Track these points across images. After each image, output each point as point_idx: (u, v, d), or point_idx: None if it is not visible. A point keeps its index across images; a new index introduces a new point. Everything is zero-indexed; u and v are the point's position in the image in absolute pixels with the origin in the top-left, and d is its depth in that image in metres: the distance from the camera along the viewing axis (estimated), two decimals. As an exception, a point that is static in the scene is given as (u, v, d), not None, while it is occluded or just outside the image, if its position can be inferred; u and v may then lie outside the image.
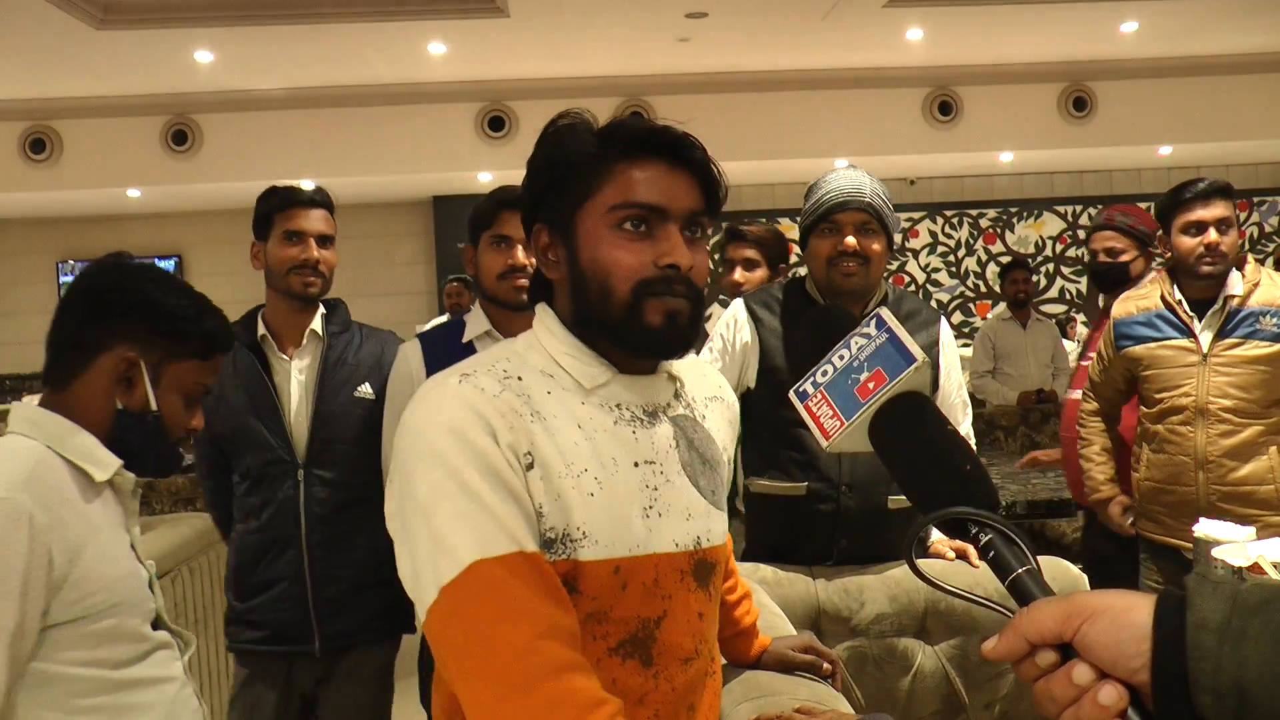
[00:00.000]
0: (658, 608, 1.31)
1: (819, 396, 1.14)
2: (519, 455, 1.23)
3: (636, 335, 1.32)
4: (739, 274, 3.71)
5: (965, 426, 2.76)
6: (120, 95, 9.29)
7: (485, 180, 9.36)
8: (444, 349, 2.43)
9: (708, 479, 1.41)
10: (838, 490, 2.50)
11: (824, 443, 1.11)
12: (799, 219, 2.63)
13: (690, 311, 1.33)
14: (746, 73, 9.08)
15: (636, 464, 1.32)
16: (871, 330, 1.14)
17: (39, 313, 11.71)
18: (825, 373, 1.15)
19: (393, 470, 1.26)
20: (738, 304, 2.69)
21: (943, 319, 2.72)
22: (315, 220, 2.60)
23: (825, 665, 1.76)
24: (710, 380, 1.56)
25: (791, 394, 1.17)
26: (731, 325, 2.65)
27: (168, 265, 10.15)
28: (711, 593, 1.40)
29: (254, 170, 9.16)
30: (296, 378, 2.61)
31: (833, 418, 1.11)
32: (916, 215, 10.77)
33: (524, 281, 2.41)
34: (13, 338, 11.39)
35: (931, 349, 2.62)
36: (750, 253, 3.72)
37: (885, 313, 1.16)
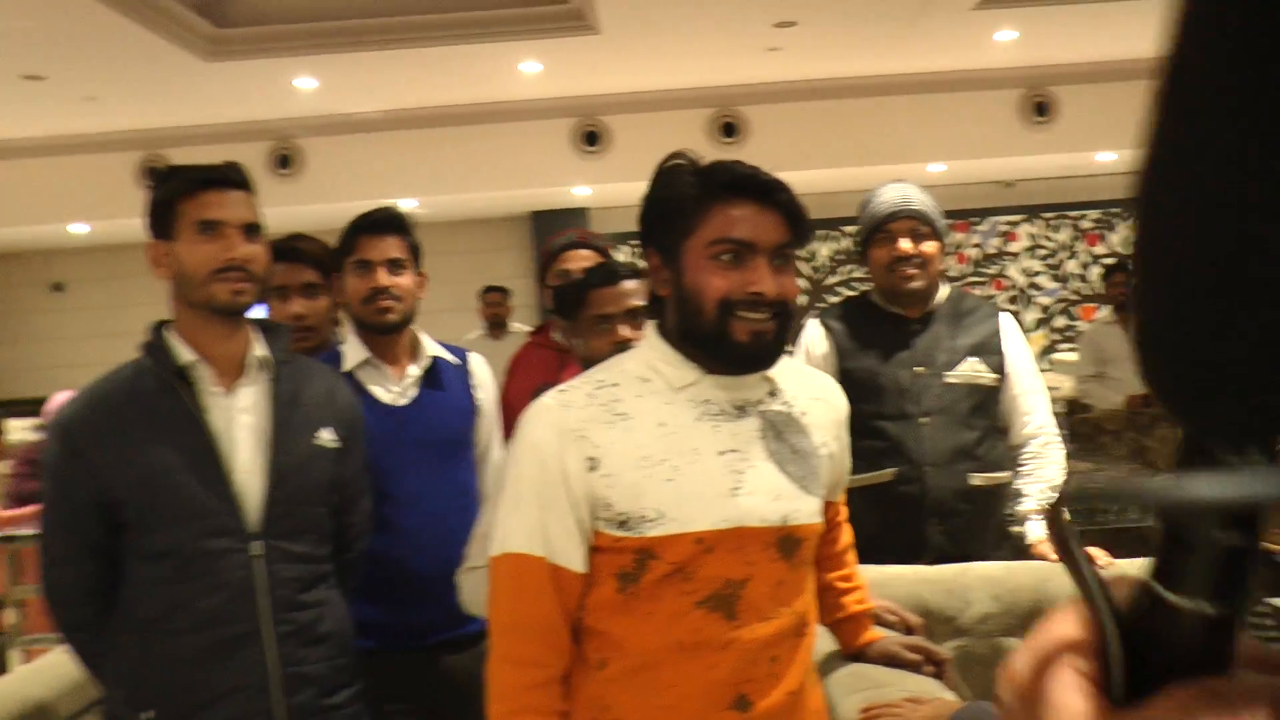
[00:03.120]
0: (742, 572, 1.55)
1: None
2: (582, 461, 1.54)
3: (726, 349, 1.57)
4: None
5: (1041, 416, 2.80)
6: (226, 123, 9.64)
7: (582, 194, 9.52)
8: None
9: (797, 466, 1.61)
10: (920, 471, 2.62)
11: None
12: (855, 234, 2.86)
13: (776, 330, 1.58)
14: (837, 80, 9.05)
15: (721, 452, 1.56)
16: None
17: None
18: None
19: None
20: (814, 322, 2.90)
21: (1005, 314, 2.87)
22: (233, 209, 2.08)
23: (928, 667, 1.81)
24: (816, 383, 1.79)
25: None
26: (811, 341, 2.87)
27: (274, 286, 10.45)
28: (795, 564, 1.61)
29: (354, 191, 9.43)
30: (241, 419, 2.03)
31: None
32: (1015, 218, 10.60)
33: (389, 303, 2.36)
34: (128, 356, 11.81)
35: (993, 339, 2.77)
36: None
37: None
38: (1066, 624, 0.41)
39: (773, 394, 1.65)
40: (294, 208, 9.70)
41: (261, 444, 1.99)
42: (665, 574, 1.52)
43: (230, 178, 2.05)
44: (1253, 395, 0.34)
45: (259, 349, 2.06)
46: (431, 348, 2.49)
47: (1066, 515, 0.42)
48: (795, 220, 1.59)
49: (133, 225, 9.67)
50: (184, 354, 1.99)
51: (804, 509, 1.61)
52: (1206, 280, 0.33)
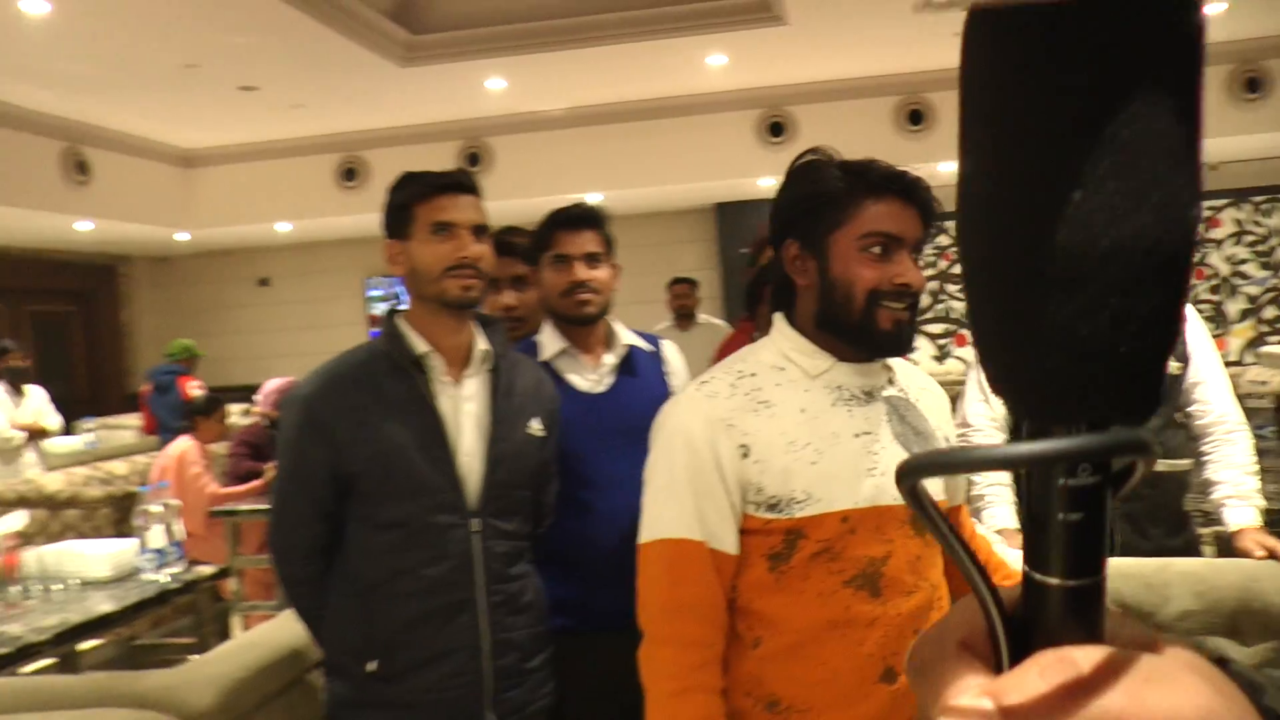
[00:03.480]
0: (883, 549, 1.63)
1: None
2: (734, 449, 1.62)
3: (869, 337, 1.64)
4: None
5: (1223, 404, 2.81)
6: (419, 124, 10.04)
7: (767, 185, 9.49)
8: None
9: (920, 446, 1.70)
10: None
11: None
12: None
13: (910, 318, 1.65)
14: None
15: (857, 435, 1.65)
16: None
17: (348, 324, 12.78)
18: None
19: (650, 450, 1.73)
20: None
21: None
22: (466, 207, 2.17)
23: None
24: (920, 375, 1.88)
25: None
26: None
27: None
28: (928, 540, 1.69)
29: (541, 187, 9.66)
30: (465, 408, 2.17)
31: None
32: (1219, 203, 10.04)
33: (587, 296, 2.42)
34: (325, 347, 12.42)
35: None
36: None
37: None
38: (965, 610, 0.42)
39: (891, 381, 1.75)
40: (485, 204, 10.01)
41: (482, 431, 2.13)
42: (814, 553, 1.61)
43: (462, 183, 2.16)
44: (1056, 382, 0.39)
45: (482, 342, 2.18)
46: (626, 336, 2.55)
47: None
48: (929, 216, 1.68)
49: (331, 224, 10.25)
50: (419, 344, 2.11)
51: (931, 487, 1.64)
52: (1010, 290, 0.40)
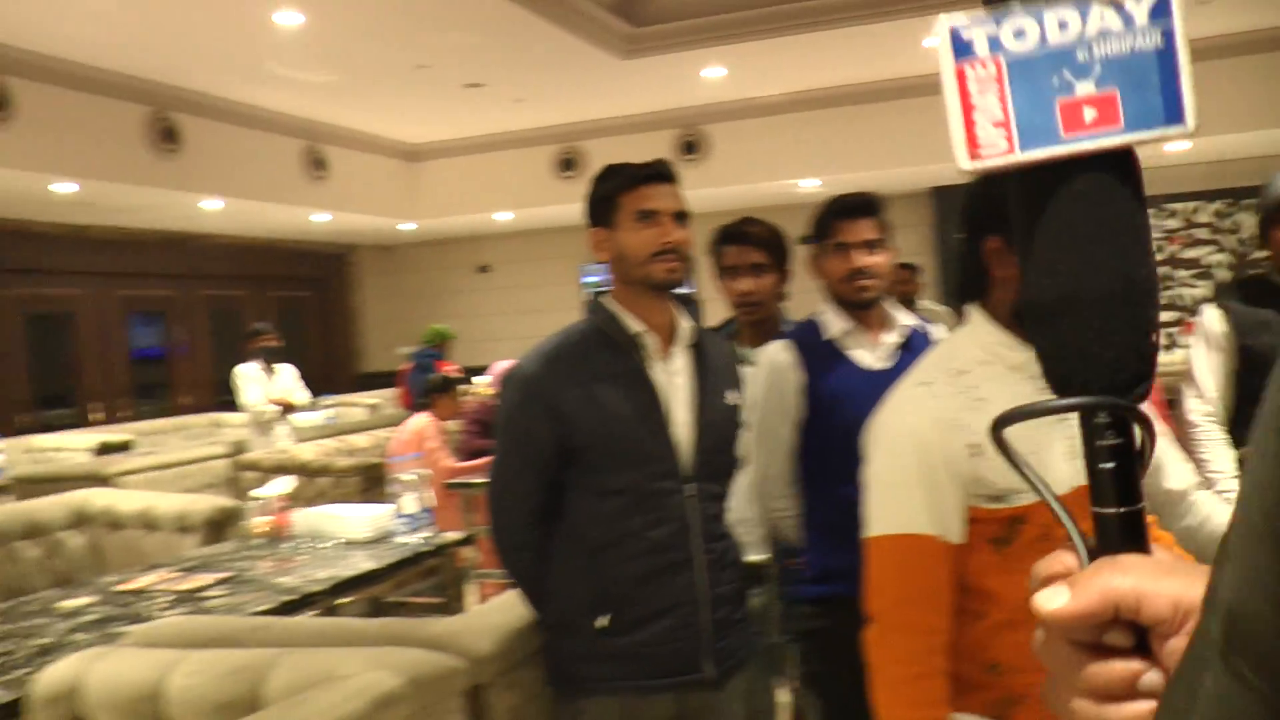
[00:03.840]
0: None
1: (992, 69, 0.59)
2: (962, 448, 1.65)
3: None
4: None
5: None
6: (636, 114, 10.26)
7: (983, 169, 9.31)
8: (811, 347, 2.55)
9: None
10: None
11: (964, 161, 0.60)
12: (1257, 211, 3.00)
13: None
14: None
15: (1059, 421, 1.62)
16: (1139, 13, 0.56)
17: (564, 309, 13.16)
18: (1023, 33, 0.58)
19: (868, 451, 1.80)
20: (1208, 306, 3.09)
21: None
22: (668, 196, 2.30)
23: None
24: None
25: (947, 30, 0.59)
26: (1208, 321, 3.03)
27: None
28: None
29: (757, 173, 9.74)
30: (675, 381, 2.29)
31: (999, 126, 0.59)
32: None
33: (866, 282, 2.51)
34: (542, 331, 12.85)
35: None
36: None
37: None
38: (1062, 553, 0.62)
39: None
40: (699, 191, 10.16)
41: (690, 402, 2.26)
42: (1034, 537, 1.66)
43: (662, 173, 2.27)
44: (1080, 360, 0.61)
45: (684, 320, 2.31)
46: (905, 317, 2.66)
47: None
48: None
49: (549, 213, 10.59)
50: (633, 324, 2.23)
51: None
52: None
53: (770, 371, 2.55)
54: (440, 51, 7.86)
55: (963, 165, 0.60)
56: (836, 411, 2.43)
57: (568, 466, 2.22)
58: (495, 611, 2.15)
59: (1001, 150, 0.59)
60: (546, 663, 2.22)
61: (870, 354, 2.57)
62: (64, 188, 8.81)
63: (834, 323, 2.56)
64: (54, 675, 1.96)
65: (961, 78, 0.60)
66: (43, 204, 9.50)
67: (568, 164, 11.02)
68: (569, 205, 11.23)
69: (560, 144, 11.12)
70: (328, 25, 7.22)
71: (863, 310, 2.55)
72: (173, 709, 1.83)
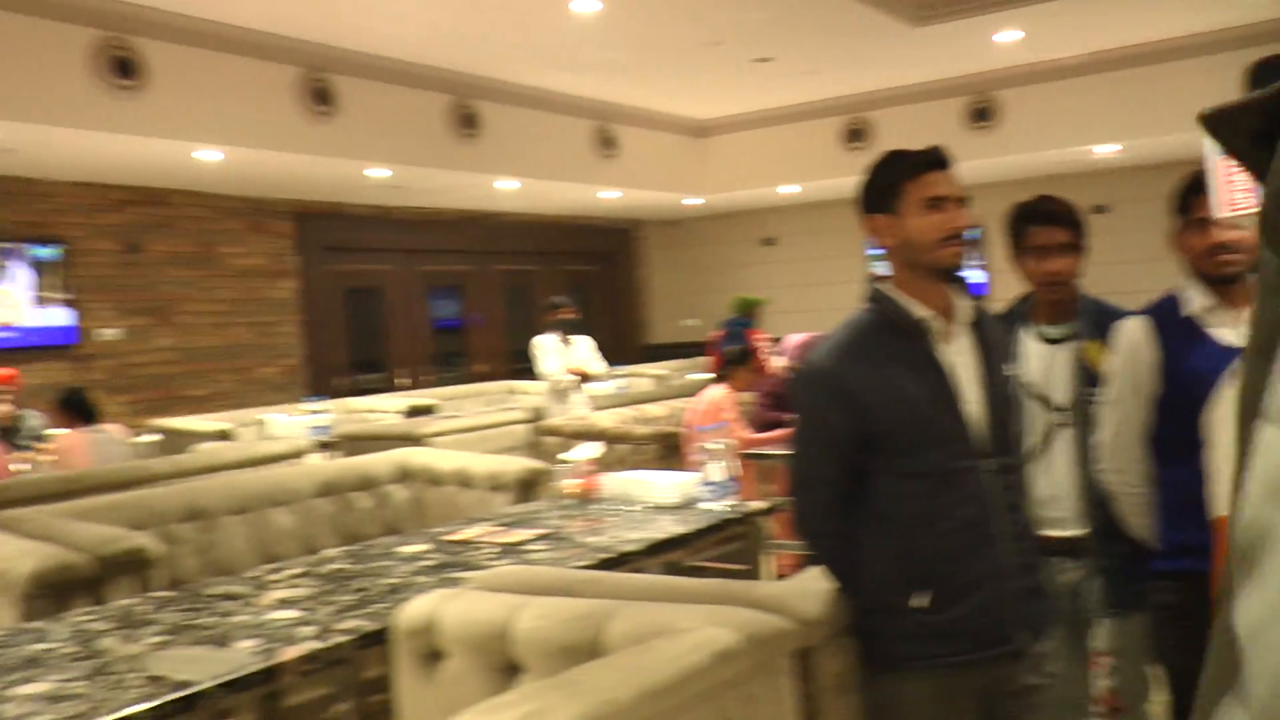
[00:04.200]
0: None
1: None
2: None
3: None
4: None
5: None
6: (926, 82, 10.01)
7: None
8: (1169, 323, 2.52)
9: None
10: None
11: (1220, 209, 0.54)
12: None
13: None
14: None
15: None
16: None
17: (849, 282, 13.03)
18: None
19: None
20: None
21: None
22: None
23: None
24: None
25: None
26: None
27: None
28: None
29: (1052, 139, 9.30)
30: (961, 361, 2.33)
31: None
32: None
33: (1229, 257, 2.44)
34: (827, 304, 12.81)
35: None
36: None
37: None
38: None
39: None
40: (990, 160, 9.82)
41: (977, 380, 2.30)
42: None
43: (943, 160, 2.30)
44: None
45: (961, 300, 2.33)
46: None
47: None
48: None
49: (835, 185, 10.49)
50: (918, 309, 2.27)
51: None
52: None
53: (1127, 347, 2.54)
54: (732, 28, 7.94)
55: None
56: (1194, 387, 2.38)
57: (868, 452, 2.27)
58: (819, 578, 2.20)
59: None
60: (861, 643, 2.25)
61: (1233, 331, 2.50)
62: (377, 173, 9.49)
63: (1195, 298, 2.53)
64: (413, 611, 2.15)
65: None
66: (359, 188, 10.27)
67: (855, 135, 10.90)
68: (856, 177, 11.11)
69: (848, 115, 11.00)
70: (623, 10, 7.43)
71: (1225, 285, 2.49)
72: (519, 648, 1.97)
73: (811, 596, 2.07)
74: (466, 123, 9.72)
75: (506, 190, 10.97)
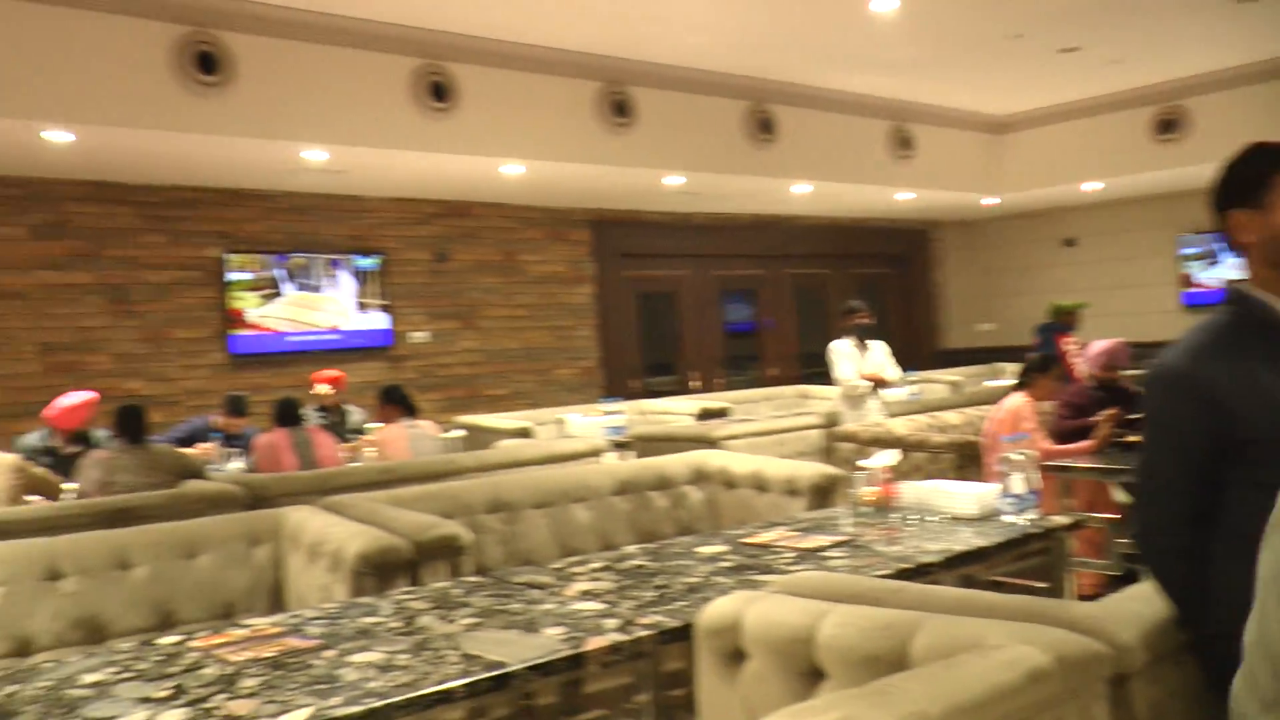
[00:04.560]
0: None
1: None
2: None
3: None
4: None
5: None
6: (1251, 64, 9.25)
7: None
8: None
9: None
10: None
11: None
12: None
13: None
14: None
15: None
16: None
17: (1157, 284, 12.22)
18: None
19: None
20: None
21: None
22: None
23: None
24: None
25: None
26: None
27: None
28: None
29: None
30: None
31: None
32: None
33: None
34: (1134, 308, 12.05)
35: None
36: None
37: None
38: None
39: None
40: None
41: None
42: None
43: None
44: None
45: None
46: None
47: None
48: None
49: (1143, 180, 9.91)
50: None
51: None
52: None
53: None
54: (1037, 18, 7.63)
55: None
56: None
57: (1227, 462, 2.09)
58: (1136, 600, 2.08)
59: None
60: (1204, 671, 2.07)
61: None
62: (673, 180, 9.71)
63: None
64: (716, 611, 2.20)
65: None
66: (654, 196, 10.56)
67: (1167, 126, 10.22)
68: (1167, 171, 10.41)
69: (1159, 104, 10.33)
70: (922, 6, 7.28)
71: None
72: (823, 654, 1.98)
73: (1128, 619, 1.96)
74: (762, 128, 9.80)
75: (800, 194, 10.97)
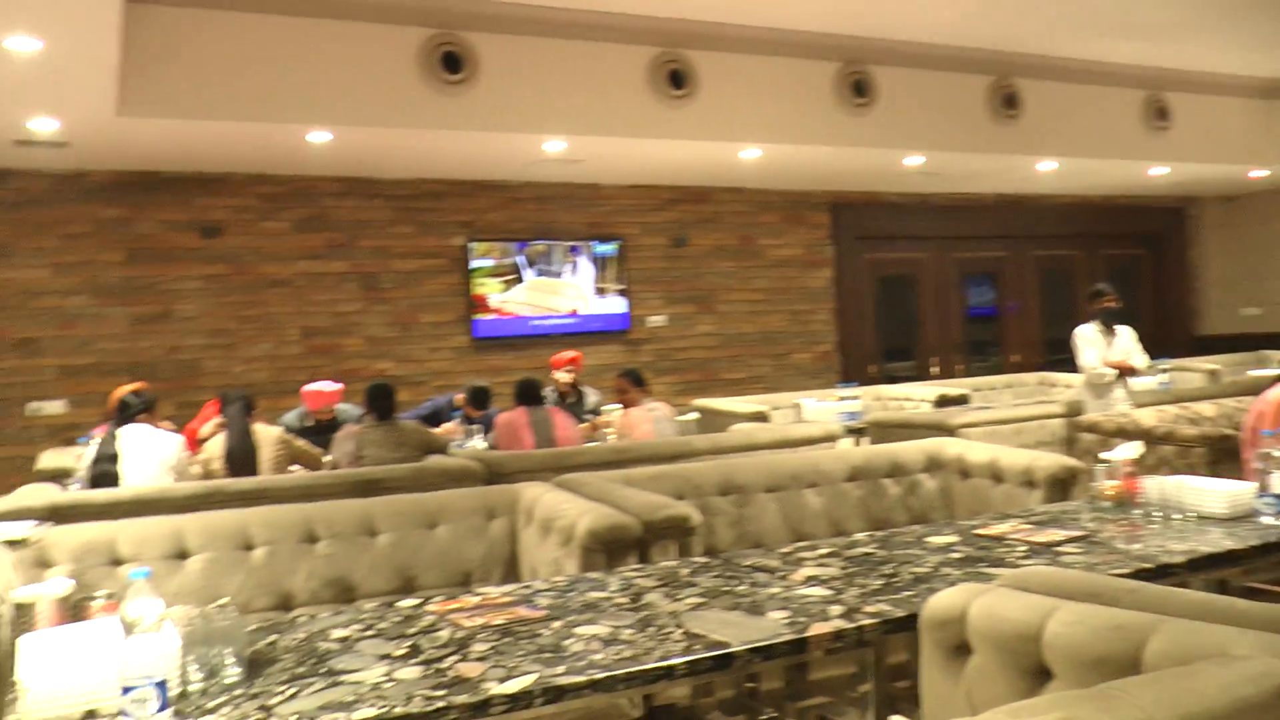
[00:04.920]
0: None
1: None
2: None
3: None
4: None
5: None
6: None
7: None
8: None
9: None
10: None
11: None
12: None
13: None
14: None
15: None
16: None
17: None
18: None
19: None
20: None
21: None
22: None
23: None
24: None
25: None
26: None
27: None
28: None
29: None
30: None
31: None
32: None
33: None
34: None
35: None
36: None
37: None
38: None
39: None
40: None
41: None
42: None
43: None
44: None
45: None
46: None
47: None
48: None
49: None
50: None
51: None
52: None
53: None
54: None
55: None
56: None
57: None
58: None
59: None
60: None
61: None
62: (913, 160, 9.51)
63: None
64: (942, 602, 2.18)
65: None
66: (894, 177, 10.37)
67: None
68: None
69: None
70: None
71: None
72: (1050, 653, 1.93)
73: None
74: (1007, 103, 9.46)
75: (1045, 171, 10.53)
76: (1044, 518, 3.58)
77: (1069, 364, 7.83)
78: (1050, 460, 4.44)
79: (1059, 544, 3.16)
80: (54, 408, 8.06)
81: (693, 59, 8.06)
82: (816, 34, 8.34)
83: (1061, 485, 4.30)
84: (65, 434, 7.69)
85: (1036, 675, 1.96)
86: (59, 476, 5.56)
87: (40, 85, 5.90)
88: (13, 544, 3.46)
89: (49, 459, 6.41)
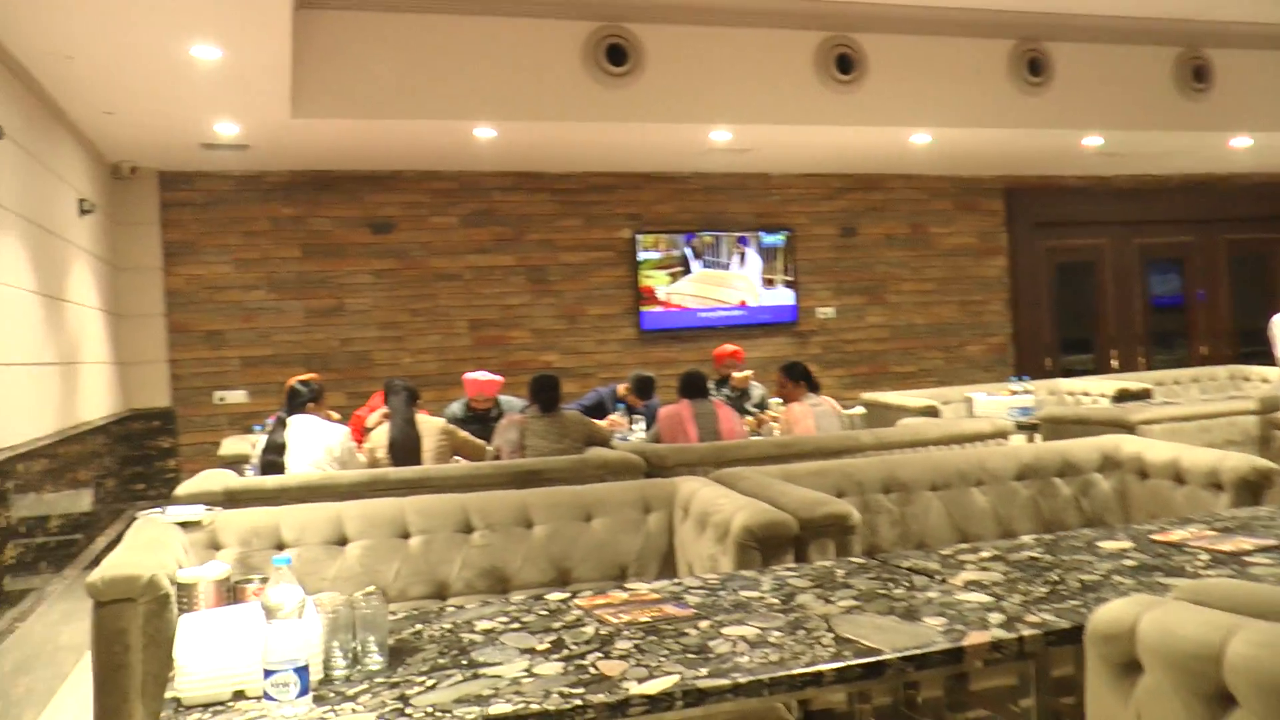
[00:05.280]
0: None
1: None
2: None
3: None
4: None
5: None
6: None
7: None
8: None
9: None
10: None
11: None
12: None
13: None
14: None
15: None
16: None
17: None
18: None
19: None
20: None
21: None
22: None
23: None
24: None
25: None
26: None
27: None
28: None
29: None
30: None
31: None
32: None
33: None
34: None
35: None
36: None
37: None
38: None
39: None
40: None
41: None
42: None
43: None
44: None
45: None
46: None
47: None
48: None
49: None
50: None
51: None
52: None
53: None
54: None
55: None
56: None
57: None
58: None
59: None
60: None
61: None
62: (1092, 141, 9.08)
63: None
64: (1109, 614, 2.02)
65: None
66: (1072, 159, 9.93)
67: None
68: None
69: None
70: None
71: None
72: (1233, 676, 1.76)
73: None
74: (1195, 76, 8.92)
75: (1240, 148, 9.89)
76: (1231, 524, 3.33)
77: (1264, 356, 7.35)
78: (1239, 460, 4.14)
79: (1247, 554, 2.93)
80: (236, 396, 8.48)
81: (860, 42, 7.88)
82: (988, 11, 8.03)
83: (1252, 489, 4.01)
84: (246, 421, 8.08)
85: (1218, 701, 1.79)
86: (237, 462, 5.83)
87: (222, 90, 6.17)
88: (186, 526, 3.62)
89: (229, 445, 6.75)
